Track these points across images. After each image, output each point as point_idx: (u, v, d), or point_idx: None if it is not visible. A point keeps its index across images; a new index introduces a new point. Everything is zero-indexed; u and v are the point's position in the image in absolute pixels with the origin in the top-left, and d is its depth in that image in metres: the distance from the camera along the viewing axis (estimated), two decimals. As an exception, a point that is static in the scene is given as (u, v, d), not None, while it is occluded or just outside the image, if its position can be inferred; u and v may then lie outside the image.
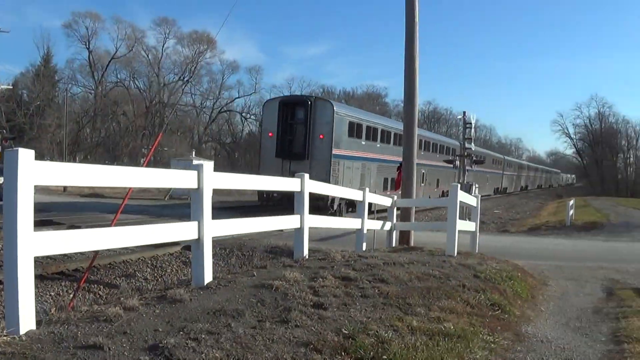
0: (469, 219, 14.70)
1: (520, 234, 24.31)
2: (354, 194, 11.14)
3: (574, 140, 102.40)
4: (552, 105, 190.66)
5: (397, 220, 13.60)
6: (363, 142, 26.67)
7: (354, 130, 25.73)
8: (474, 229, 13.46)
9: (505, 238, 21.86)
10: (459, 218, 10.89)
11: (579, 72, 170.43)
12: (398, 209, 14.05)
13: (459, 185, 10.70)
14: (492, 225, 29.84)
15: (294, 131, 23.13)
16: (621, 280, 11.38)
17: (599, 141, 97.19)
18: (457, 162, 29.14)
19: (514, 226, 29.08)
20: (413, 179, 14.56)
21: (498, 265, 9.92)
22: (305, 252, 8.27)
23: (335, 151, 23.60)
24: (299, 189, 8.20)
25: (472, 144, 29.19)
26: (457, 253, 10.41)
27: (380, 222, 12.63)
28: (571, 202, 30.55)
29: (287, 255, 12.55)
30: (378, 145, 28.18)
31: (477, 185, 28.50)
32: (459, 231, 10.67)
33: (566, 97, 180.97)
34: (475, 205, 13.73)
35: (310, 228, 8.49)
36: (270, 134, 24.21)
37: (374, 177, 28.23)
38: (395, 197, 13.37)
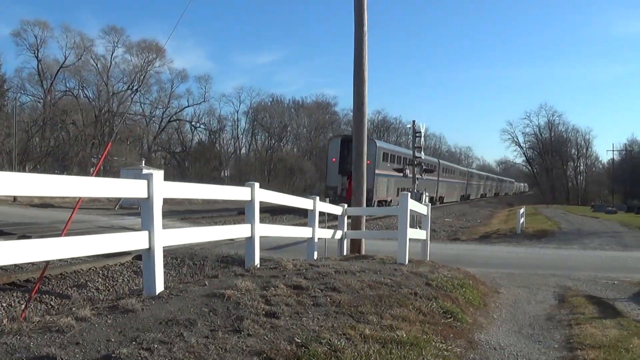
0: (420, 227, 14.90)
1: (471, 242, 24.54)
2: (303, 203, 11.18)
3: (524, 149, 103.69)
4: (501, 114, 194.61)
5: (348, 229, 13.69)
6: (388, 164, 41.42)
7: (387, 158, 42.17)
8: (424, 237, 13.66)
9: (457, 246, 22.17)
10: (410, 226, 11.01)
11: (529, 81, 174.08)
12: (349, 217, 14.18)
13: (409, 194, 10.85)
14: (443, 233, 30.20)
15: (350, 158, 25.76)
16: (573, 287, 11.49)
17: (549, 150, 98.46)
18: (408, 171, 29.54)
19: (465, 234, 29.37)
20: (363, 188, 14.69)
21: (450, 273, 10.01)
22: (257, 261, 8.27)
23: (376, 171, 38.42)
24: (249, 198, 8.20)
25: (422, 152, 29.56)
26: (409, 261, 10.47)
27: (332, 231, 12.69)
28: (522, 210, 31.08)
29: (238, 265, 12.53)
30: (451, 175, 42.81)
31: (427, 194, 28.92)
32: (410, 239, 10.74)
33: (516, 106, 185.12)
34: (425, 213, 13.96)
35: (261, 237, 8.51)
36: (334, 160, 38.53)
37: (392, 187, 43.44)
38: (346, 206, 13.48)
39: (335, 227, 13.20)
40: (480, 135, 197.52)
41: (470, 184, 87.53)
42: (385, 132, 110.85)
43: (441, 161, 66.05)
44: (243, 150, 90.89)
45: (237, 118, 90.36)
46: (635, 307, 9.33)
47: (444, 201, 64.98)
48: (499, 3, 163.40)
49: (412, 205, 11.49)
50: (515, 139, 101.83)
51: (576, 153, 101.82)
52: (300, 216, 36.36)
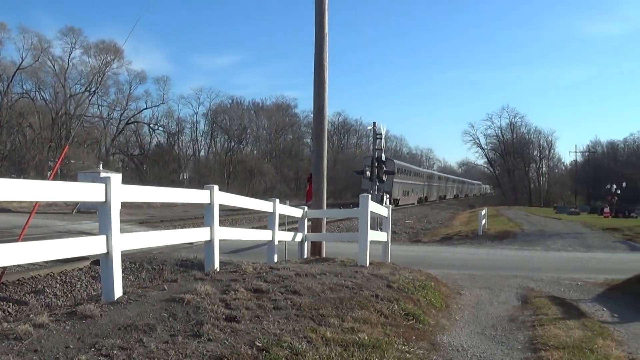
0: (381, 229, 15.00)
1: (432, 244, 24.71)
2: (263, 206, 11.17)
3: (486, 150, 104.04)
4: (463, 116, 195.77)
5: (308, 232, 13.73)
6: (402, 175, 64.88)
7: (400, 170, 65.28)
8: (385, 239, 13.76)
9: (418, 248, 22.37)
10: (371, 228, 11.09)
11: (490, 83, 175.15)
12: (310, 220, 14.23)
13: (369, 196, 10.93)
14: (404, 235, 30.42)
15: (376, 171, 46.35)
16: (536, 288, 11.52)
17: (511, 151, 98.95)
18: (368, 174, 29.73)
19: (426, 236, 29.56)
20: (323, 190, 14.75)
21: (411, 275, 10.06)
22: (217, 264, 8.24)
23: (394, 180, 59.40)
24: (208, 201, 8.17)
25: (383, 154, 29.79)
26: (370, 263, 10.50)
27: (292, 234, 12.70)
28: (483, 211, 31.41)
29: (198, 269, 12.44)
30: (409, 176, 66.76)
31: (387, 196, 29.14)
32: (370, 242, 10.78)
33: (477, 108, 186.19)
34: (386, 215, 14.08)
35: (221, 240, 8.49)
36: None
37: (401, 190, 65.96)
38: (306, 208, 13.51)
39: (295, 230, 13.22)
40: (441, 137, 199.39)
41: (430, 186, 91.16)
42: (346, 134, 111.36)
43: (396, 161, 70.13)
44: (202, 153, 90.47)
45: (196, 120, 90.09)
46: (600, 308, 9.36)
47: (399, 204, 69.26)
48: (459, 6, 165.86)
49: (373, 207, 11.58)
50: (477, 141, 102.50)
51: (539, 154, 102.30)
52: (261, 219, 36.29)
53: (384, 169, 30.21)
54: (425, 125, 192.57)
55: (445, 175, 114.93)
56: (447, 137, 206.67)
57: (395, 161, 67.89)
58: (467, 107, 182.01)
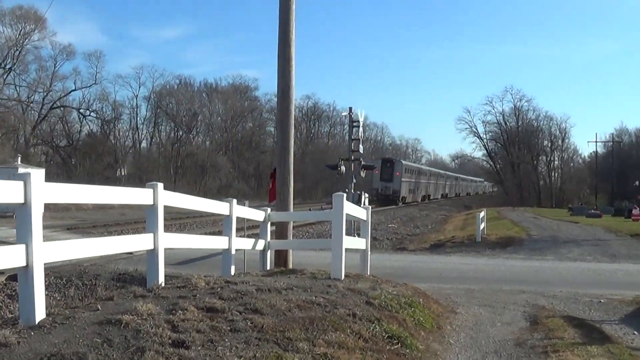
0: (358, 235, 15.04)
1: (420, 252, 24.85)
2: (218, 207, 11.11)
3: (484, 140, 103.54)
4: (456, 101, 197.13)
5: (271, 238, 13.71)
6: (408, 174, 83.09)
7: (407, 170, 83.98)
8: (364, 247, 13.79)
9: (403, 257, 22.50)
10: (347, 234, 11.10)
11: (489, 62, 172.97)
12: (273, 224, 14.19)
13: (344, 195, 10.93)
14: (386, 242, 30.64)
15: (386, 170, 75.74)
16: (548, 306, 11.51)
17: (515, 141, 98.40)
18: (343, 168, 29.78)
19: (413, 243, 29.68)
20: (290, 188, 14.71)
21: (395, 289, 10.11)
22: (161, 278, 8.19)
23: (402, 179, 79.55)
24: (151, 202, 8.09)
25: (361, 145, 29.84)
26: (345, 276, 10.55)
27: (252, 241, 12.69)
28: (482, 213, 31.45)
29: (138, 283, 12.31)
30: (414, 175, 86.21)
31: (367, 195, 29.20)
32: (346, 249, 10.79)
33: (474, 91, 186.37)
34: (365, 218, 14.10)
35: (168, 249, 8.43)
36: (376, 172, 69.39)
37: (411, 186, 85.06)
38: (269, 210, 13.48)
39: (256, 236, 13.20)
40: (431, 125, 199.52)
41: (434, 184, 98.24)
42: (317, 122, 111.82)
43: (404, 162, 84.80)
44: (144, 144, 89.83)
45: (137, 104, 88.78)
46: (629, 332, 9.23)
47: (406, 201, 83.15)
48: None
49: (348, 208, 11.59)
50: (474, 129, 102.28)
51: (549, 145, 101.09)
52: (215, 223, 36.12)
53: (362, 163, 30.23)
54: (411, 112, 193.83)
55: (434, 170, 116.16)
56: (438, 125, 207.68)
57: (404, 162, 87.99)
58: (462, 91, 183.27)
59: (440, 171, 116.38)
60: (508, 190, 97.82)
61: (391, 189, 79.52)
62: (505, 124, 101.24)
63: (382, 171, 78.15)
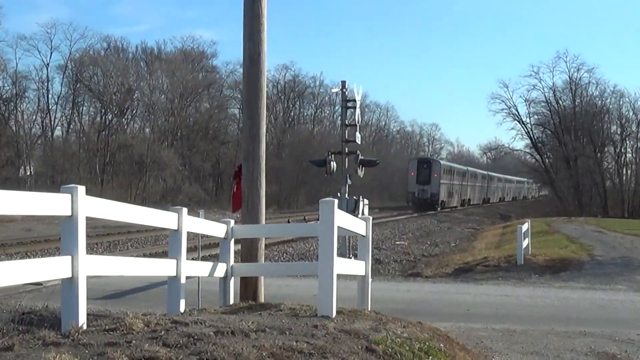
0: (355, 257, 15.04)
1: (440, 280, 24.74)
2: (161, 219, 11.05)
3: (528, 125, 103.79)
4: (488, 72, 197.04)
5: (236, 261, 13.70)
6: (447, 175, 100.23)
7: (446, 171, 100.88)
8: (363, 273, 13.75)
9: (417, 286, 22.47)
10: (340, 254, 11.11)
11: (535, 16, 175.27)
12: (238, 241, 14.16)
13: (335, 201, 10.91)
14: (394, 265, 30.96)
15: (423, 172, 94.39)
16: (620, 355, 11.51)
17: (571, 127, 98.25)
18: (333, 165, 29.84)
19: (430, 267, 29.67)
20: (261, 191, 14.65)
21: (406, 331, 10.08)
22: (82, 318, 8.14)
23: (441, 181, 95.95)
24: (68, 213, 8.03)
25: (358, 134, 29.89)
26: (337, 312, 10.47)
27: (209, 265, 12.66)
28: (525, 226, 31.25)
29: (50, 326, 12.24)
30: (453, 176, 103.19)
31: (366, 202, 29.23)
32: (339, 276, 10.77)
33: (512, 58, 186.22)
34: (364, 233, 14.08)
35: (92, 277, 8.39)
36: (412, 174, 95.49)
37: (450, 189, 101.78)
38: (233, 223, 13.44)
39: (215, 259, 13.20)
40: (453, 107, 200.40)
41: (473, 187, 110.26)
42: (298, 100, 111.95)
43: (442, 162, 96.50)
44: (58, 132, 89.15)
45: (48, 77, 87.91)
46: None
47: (445, 206, 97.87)
48: None
49: (341, 219, 11.58)
50: (513, 110, 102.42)
51: (620, 131, 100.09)
52: (158, 241, 36.04)
53: (360, 157, 30.28)
54: (426, 90, 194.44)
55: (491, 173, 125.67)
56: (463, 106, 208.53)
57: (442, 162, 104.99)
58: (496, 58, 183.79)
59: (482, 171, 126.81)
60: (561, 194, 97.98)
61: (429, 193, 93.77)
62: (557, 103, 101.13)
63: (418, 173, 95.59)
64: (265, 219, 15.33)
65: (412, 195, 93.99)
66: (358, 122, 29.91)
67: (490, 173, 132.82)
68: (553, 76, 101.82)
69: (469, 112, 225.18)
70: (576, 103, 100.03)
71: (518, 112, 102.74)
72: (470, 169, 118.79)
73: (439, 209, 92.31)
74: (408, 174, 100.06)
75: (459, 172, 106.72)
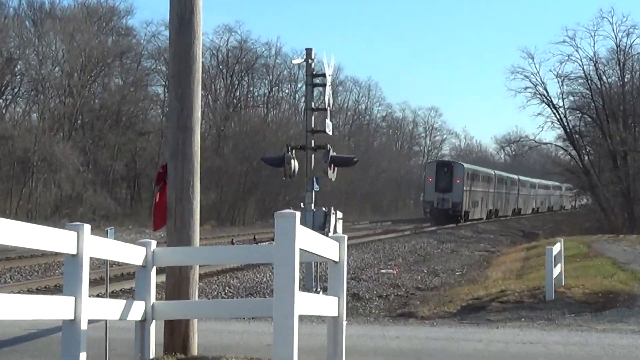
0: (324, 291, 15.07)
1: (441, 322, 24.70)
2: (53, 240, 10.93)
3: (561, 110, 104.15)
4: (505, 40, 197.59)
5: (159, 298, 13.70)
6: (472, 181, 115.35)
7: (470, 176, 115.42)
8: (335, 313, 13.80)
9: (410, 331, 22.45)
10: (303, 288, 11.15)
11: None
12: (162, 270, 14.18)
13: (296, 215, 10.91)
14: (377, 302, 30.98)
15: (443, 177, 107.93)
16: None
17: (619, 112, 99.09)
18: (294, 164, 29.91)
19: (427, 304, 29.48)
20: (194, 201, 14.68)
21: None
22: None
23: (464, 188, 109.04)
24: None
25: (329, 121, 30.00)
26: (301, 368, 10.60)
27: (121, 304, 12.63)
28: (556, 247, 31.32)
29: None
30: (479, 182, 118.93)
31: (340, 215, 29.27)
32: (302, 317, 10.89)
33: (539, 20, 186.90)
34: (337, 259, 14.11)
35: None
36: (430, 180, 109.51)
37: (475, 197, 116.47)
38: (155, 245, 13.40)
39: (129, 295, 13.20)
40: (459, 85, 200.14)
41: (500, 194, 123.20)
42: (246, 74, 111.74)
43: (466, 165, 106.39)
44: None
45: None
46: None
47: (469, 218, 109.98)
48: None
49: (305, 239, 11.59)
50: (541, 89, 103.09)
51: None
52: (49, 271, 35.88)
53: (332, 154, 30.35)
54: (423, 64, 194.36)
55: (522, 178, 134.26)
56: (473, 86, 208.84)
57: (465, 165, 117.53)
58: (516, 22, 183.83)
59: (511, 175, 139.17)
60: (605, 204, 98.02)
61: (450, 202, 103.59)
62: (600, 79, 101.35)
63: (437, 178, 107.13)
64: (201, 239, 15.37)
65: (430, 205, 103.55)
66: (329, 106, 30.01)
67: (521, 177, 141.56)
68: (594, 43, 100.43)
69: (480, 93, 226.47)
70: (626, 79, 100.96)
71: (547, 92, 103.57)
72: (497, 172, 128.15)
73: (462, 221, 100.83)
74: (425, 180, 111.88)
75: (485, 177, 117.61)
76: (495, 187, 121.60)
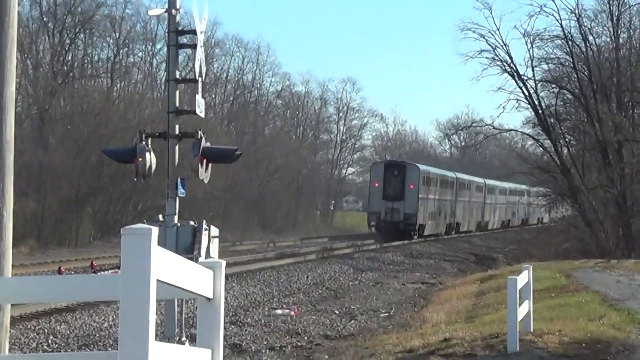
0: (190, 340, 15.07)
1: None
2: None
3: (530, 83, 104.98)
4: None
5: None
6: (429, 187, 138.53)
7: (428, 181, 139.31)
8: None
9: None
10: (162, 337, 11.11)
11: None
12: None
13: (155, 231, 10.79)
14: (267, 355, 31.24)
15: (393, 181, 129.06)
16: None
17: (611, 85, 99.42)
18: (150, 158, 29.87)
19: (339, 358, 30.02)
20: (3, 213, 14.64)
21: None
22: None
23: (420, 195, 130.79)
24: None
25: (200, 97, 30.05)
26: None
27: None
28: (523, 277, 31.44)
29: None
30: (437, 188, 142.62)
31: (215, 231, 29.28)
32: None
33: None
34: (210, 294, 14.12)
35: None
36: (376, 184, 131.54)
37: (433, 208, 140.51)
38: None
39: None
40: (386, 50, 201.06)
41: (441, 201, 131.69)
42: (80, 30, 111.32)
43: (422, 167, 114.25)
44: None
45: None
46: None
47: (424, 233, 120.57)
48: None
49: (164, 267, 11.53)
50: (502, 54, 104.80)
51: None
52: None
53: (205, 145, 30.38)
54: (334, 23, 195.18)
55: (491, 182, 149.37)
56: (405, 49, 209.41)
57: (421, 167, 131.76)
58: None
59: (476, 179, 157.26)
60: (591, 216, 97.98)
61: (401, 213, 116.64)
62: (585, 40, 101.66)
63: (385, 183, 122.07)
64: (14, 265, 15.29)
65: (376, 217, 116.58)
66: (200, 76, 29.95)
67: (488, 181, 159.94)
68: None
69: (416, 60, 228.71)
70: (621, 40, 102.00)
71: (511, 58, 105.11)
72: (459, 175, 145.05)
73: (415, 237, 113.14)
74: (370, 184, 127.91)
75: (444, 182, 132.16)
76: (457, 194, 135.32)
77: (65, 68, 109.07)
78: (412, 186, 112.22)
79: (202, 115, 29.33)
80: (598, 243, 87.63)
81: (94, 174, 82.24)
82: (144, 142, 29.07)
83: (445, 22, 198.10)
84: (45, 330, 33.68)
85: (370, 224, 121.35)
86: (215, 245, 27.35)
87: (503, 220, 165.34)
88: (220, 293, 14.23)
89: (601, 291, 44.46)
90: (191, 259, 16.47)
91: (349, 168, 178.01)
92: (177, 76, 29.19)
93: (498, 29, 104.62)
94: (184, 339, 18.02)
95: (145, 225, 10.94)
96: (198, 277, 13.60)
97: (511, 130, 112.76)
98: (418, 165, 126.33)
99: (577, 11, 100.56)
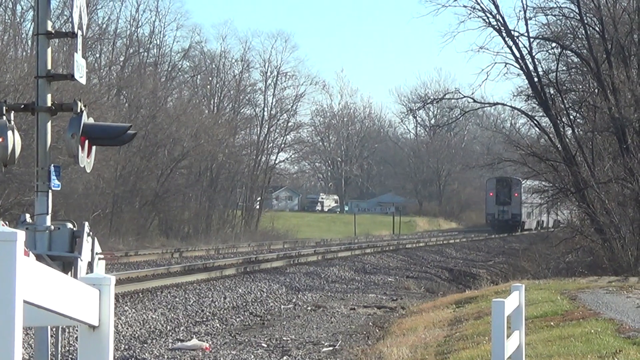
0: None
1: None
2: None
3: (522, 41, 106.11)
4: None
5: None
6: (527, 194, 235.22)
7: (526, 190, 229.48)
8: None
9: None
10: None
11: None
12: None
13: (21, 235, 10.79)
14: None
15: (503, 191, 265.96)
16: None
17: (630, 46, 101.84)
18: (12, 140, 29.93)
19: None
20: None
21: None
22: None
23: (522, 200, 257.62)
24: None
25: (79, 56, 30.11)
26: None
27: None
28: (512, 300, 31.55)
29: None
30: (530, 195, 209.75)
31: (101, 258, 29.32)
32: None
33: None
34: (95, 321, 14.16)
35: None
36: (490, 194, 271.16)
37: (529, 209, 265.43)
38: None
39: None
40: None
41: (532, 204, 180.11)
42: None
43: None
44: None
45: None
46: None
47: (525, 228, 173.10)
48: None
49: (34, 283, 11.56)
50: (488, 2, 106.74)
51: None
52: None
53: (86, 121, 30.45)
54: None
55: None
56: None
57: (522, 180, 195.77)
58: None
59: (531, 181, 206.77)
60: (603, 219, 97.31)
61: (509, 213, 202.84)
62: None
63: (497, 192, 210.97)
64: None
65: (491, 217, 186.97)
66: (80, 28, 29.96)
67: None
68: None
69: (370, 8, 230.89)
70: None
71: (497, 7, 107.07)
72: (534, 182, 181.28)
73: (519, 230, 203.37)
74: (487, 194, 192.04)
75: (531, 189, 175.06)
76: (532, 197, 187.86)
77: None
78: (516, 194, 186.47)
79: (83, 81, 29.23)
80: (612, 255, 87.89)
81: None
82: (4, 117, 29.02)
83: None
84: None
85: (487, 221, 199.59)
86: (102, 266, 27.26)
87: (538, 220, 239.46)
88: (108, 319, 14.24)
89: (616, 319, 44.49)
90: (70, 273, 16.44)
91: (281, 153, 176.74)
92: (49, 28, 29.16)
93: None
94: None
95: (8, 229, 10.95)
96: (79, 297, 13.58)
97: (497, 104, 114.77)
98: (520, 179, 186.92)
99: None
